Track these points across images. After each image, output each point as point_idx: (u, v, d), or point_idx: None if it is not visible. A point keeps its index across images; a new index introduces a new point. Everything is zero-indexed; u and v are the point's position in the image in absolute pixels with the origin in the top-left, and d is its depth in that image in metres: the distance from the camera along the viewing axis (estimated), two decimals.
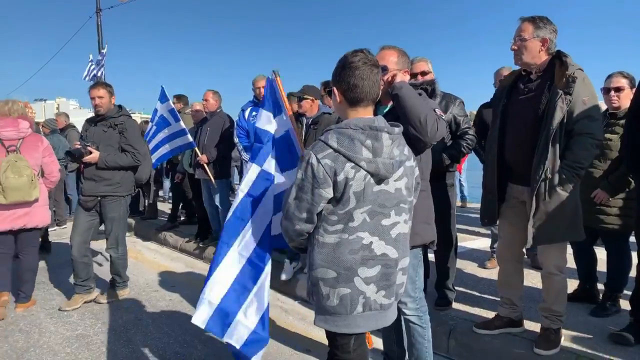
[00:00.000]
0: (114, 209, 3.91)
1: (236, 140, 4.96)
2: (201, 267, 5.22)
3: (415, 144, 1.98)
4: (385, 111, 2.24)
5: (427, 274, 3.49)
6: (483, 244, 5.24)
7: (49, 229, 5.96)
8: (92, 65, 12.52)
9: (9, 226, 3.64)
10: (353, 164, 1.60)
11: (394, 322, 1.93)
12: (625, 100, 3.12)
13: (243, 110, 4.99)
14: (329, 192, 1.61)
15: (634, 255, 3.16)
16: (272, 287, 4.33)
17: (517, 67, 2.77)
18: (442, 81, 3.38)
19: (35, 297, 4.00)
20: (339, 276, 1.66)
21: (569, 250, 2.82)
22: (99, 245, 5.31)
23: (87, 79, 12.31)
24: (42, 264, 4.69)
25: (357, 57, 1.69)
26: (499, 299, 3.04)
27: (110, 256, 4.01)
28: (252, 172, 2.55)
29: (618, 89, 3.14)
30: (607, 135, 3.13)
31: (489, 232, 4.62)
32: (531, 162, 2.51)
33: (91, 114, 4.16)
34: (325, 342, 1.90)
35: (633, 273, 2.95)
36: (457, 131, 3.33)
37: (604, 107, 3.18)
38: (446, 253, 3.40)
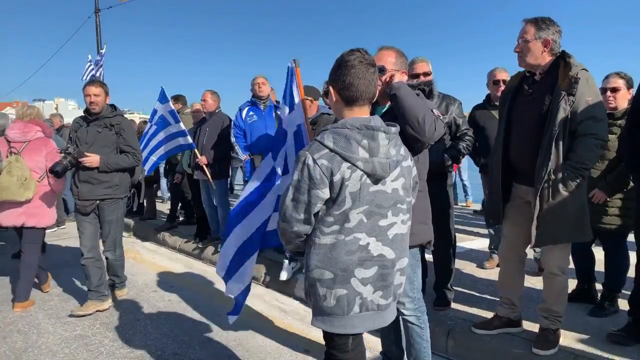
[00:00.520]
0: (113, 212, 3.83)
1: (233, 140, 4.95)
2: (200, 267, 5.22)
3: (413, 144, 1.98)
4: (383, 111, 2.25)
5: (425, 274, 3.50)
6: (481, 244, 5.25)
7: (46, 230, 5.94)
8: (90, 65, 12.50)
9: (11, 223, 3.83)
10: (349, 164, 1.59)
11: (392, 322, 1.93)
12: (621, 101, 3.12)
13: (240, 110, 4.99)
14: (325, 193, 1.61)
15: (633, 255, 3.17)
16: (271, 287, 4.40)
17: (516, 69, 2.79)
18: (439, 82, 3.40)
19: (34, 298, 3.99)
20: (335, 277, 1.66)
21: None
22: None
23: (85, 79, 12.29)
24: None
25: (353, 56, 1.69)
26: (497, 299, 3.04)
27: (107, 258, 3.97)
28: (265, 164, 2.67)
29: (614, 90, 3.15)
30: None
31: (487, 232, 4.62)
32: (535, 163, 2.52)
33: None
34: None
35: (631, 273, 2.95)
36: (456, 132, 3.36)
37: None
38: (445, 253, 3.41)
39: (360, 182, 1.61)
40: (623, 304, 3.07)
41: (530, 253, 3.40)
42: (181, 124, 5.21)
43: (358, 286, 1.67)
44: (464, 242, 5.39)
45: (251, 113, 4.90)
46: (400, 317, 2.34)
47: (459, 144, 3.35)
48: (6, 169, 3.69)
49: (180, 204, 6.88)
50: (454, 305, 3.42)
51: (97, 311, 3.73)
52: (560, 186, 2.47)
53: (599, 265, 3.37)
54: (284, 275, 4.26)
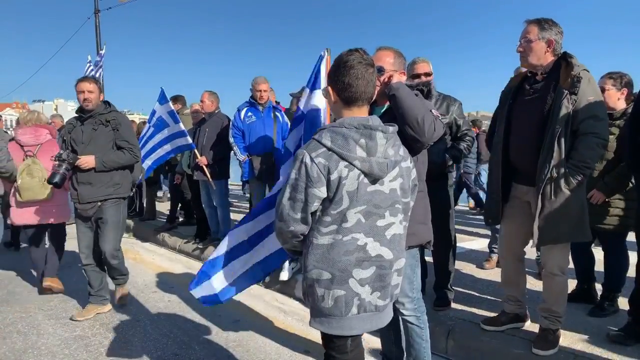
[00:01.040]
0: (115, 214, 3.65)
1: (231, 140, 4.93)
2: (200, 268, 5.21)
3: (413, 144, 1.98)
4: (381, 112, 2.24)
5: (424, 275, 3.50)
6: (481, 244, 5.25)
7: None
8: (90, 66, 12.49)
9: (28, 221, 4.11)
10: (347, 163, 1.59)
11: (392, 323, 1.92)
12: (610, 100, 3.10)
13: (239, 111, 4.98)
14: (322, 191, 1.60)
15: (633, 255, 3.17)
16: (271, 287, 4.40)
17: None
18: (438, 81, 3.36)
19: (34, 299, 4.00)
20: (333, 278, 1.65)
21: None
22: None
23: None
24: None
25: (352, 56, 1.68)
26: (498, 299, 3.05)
27: (108, 263, 3.81)
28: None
29: (601, 90, 3.15)
30: None
31: (487, 232, 4.62)
32: (536, 162, 2.52)
33: None
34: None
35: (631, 273, 2.95)
36: (457, 133, 3.38)
37: None
38: (445, 253, 3.41)
39: (358, 181, 1.61)
40: (623, 304, 3.07)
41: (531, 254, 3.40)
42: (181, 124, 5.20)
43: (356, 287, 1.67)
44: (464, 242, 5.39)
45: (250, 114, 4.89)
46: (400, 317, 2.34)
47: (460, 144, 3.37)
48: (26, 171, 3.98)
49: (180, 205, 6.89)
50: (454, 305, 3.41)
51: (97, 314, 3.71)
52: (562, 185, 2.47)
53: (599, 265, 3.37)
54: (284, 276, 4.26)
